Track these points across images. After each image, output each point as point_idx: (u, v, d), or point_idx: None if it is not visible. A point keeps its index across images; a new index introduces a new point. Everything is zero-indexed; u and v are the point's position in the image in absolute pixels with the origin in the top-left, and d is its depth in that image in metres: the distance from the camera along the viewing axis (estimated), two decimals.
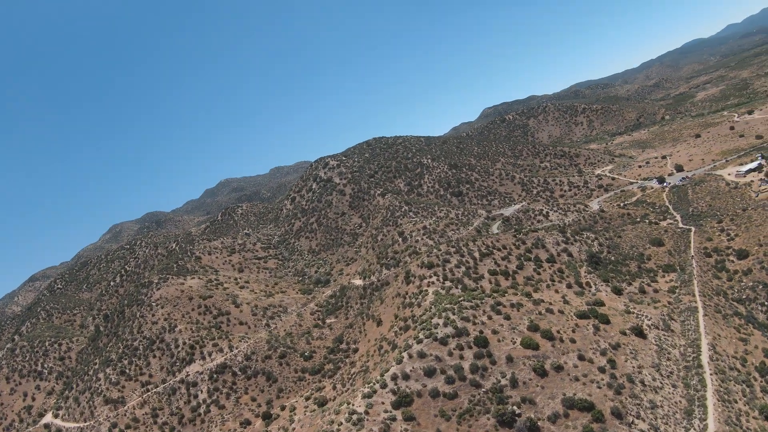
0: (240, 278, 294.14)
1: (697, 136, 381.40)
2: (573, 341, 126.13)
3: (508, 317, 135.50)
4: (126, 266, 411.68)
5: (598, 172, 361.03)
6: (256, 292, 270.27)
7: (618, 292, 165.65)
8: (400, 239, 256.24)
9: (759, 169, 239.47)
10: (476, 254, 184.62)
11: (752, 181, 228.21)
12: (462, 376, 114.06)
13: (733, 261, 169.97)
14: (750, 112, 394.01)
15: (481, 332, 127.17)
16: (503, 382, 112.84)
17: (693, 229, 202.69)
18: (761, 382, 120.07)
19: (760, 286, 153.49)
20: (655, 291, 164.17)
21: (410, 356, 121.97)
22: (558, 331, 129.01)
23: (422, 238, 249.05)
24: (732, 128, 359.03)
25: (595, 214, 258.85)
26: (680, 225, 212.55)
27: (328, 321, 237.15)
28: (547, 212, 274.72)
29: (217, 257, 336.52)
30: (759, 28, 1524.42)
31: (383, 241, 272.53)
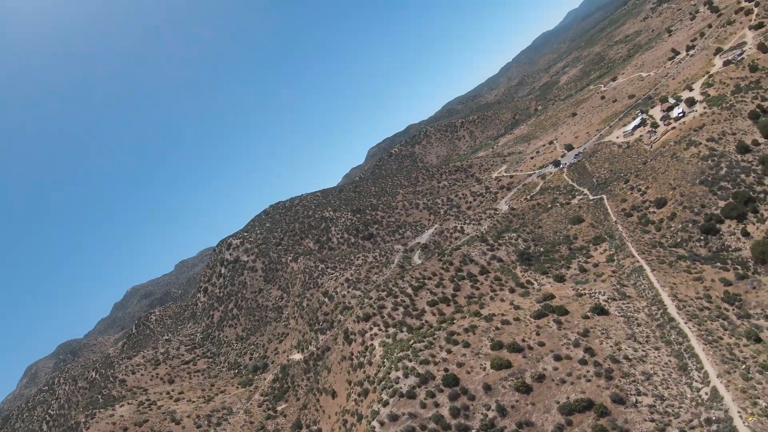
0: (173, 391, 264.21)
1: (574, 114, 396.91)
2: (542, 344, 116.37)
3: (467, 344, 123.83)
4: (49, 411, 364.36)
5: (494, 175, 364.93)
6: (194, 401, 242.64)
7: (561, 279, 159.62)
8: (326, 299, 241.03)
9: (643, 123, 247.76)
10: (409, 290, 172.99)
11: (641, 136, 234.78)
12: (445, 425, 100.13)
13: (654, 212, 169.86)
14: (614, 79, 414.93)
15: (446, 370, 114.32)
16: (491, 414, 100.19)
17: (604, 196, 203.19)
18: (734, 309, 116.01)
19: (690, 224, 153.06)
20: (595, 265, 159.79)
21: (382, 424, 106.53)
22: (523, 340, 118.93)
23: (348, 292, 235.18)
24: (603, 98, 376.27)
25: (507, 214, 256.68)
26: (590, 197, 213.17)
27: (279, 408, 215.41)
28: (462, 227, 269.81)
29: (142, 374, 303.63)
30: (596, 7, 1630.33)
31: (310, 307, 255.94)
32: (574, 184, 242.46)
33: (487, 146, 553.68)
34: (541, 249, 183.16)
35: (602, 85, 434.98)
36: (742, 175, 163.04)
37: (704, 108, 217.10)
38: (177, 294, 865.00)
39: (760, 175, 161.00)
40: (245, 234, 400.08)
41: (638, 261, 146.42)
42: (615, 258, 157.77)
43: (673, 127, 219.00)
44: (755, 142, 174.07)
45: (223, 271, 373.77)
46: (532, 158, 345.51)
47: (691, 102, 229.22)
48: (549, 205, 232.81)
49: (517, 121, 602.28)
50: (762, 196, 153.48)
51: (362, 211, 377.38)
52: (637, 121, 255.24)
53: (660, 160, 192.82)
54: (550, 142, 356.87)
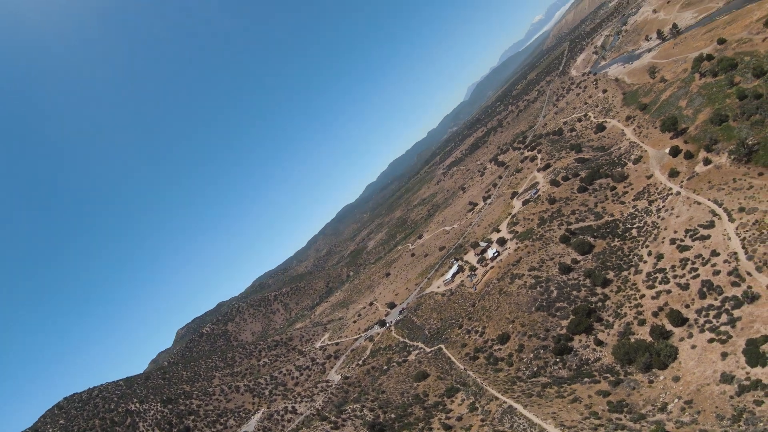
0: None
1: (388, 274, 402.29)
2: None
3: None
4: None
5: (318, 344, 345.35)
6: None
7: None
8: None
9: (461, 269, 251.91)
10: None
11: (462, 281, 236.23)
12: None
13: (500, 348, 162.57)
14: (420, 237, 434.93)
15: None
16: None
17: (442, 346, 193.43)
18: (626, 416, 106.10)
19: (541, 350, 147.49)
20: (459, 419, 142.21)
21: None
22: None
23: None
24: (413, 255, 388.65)
25: (341, 384, 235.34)
26: (427, 350, 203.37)
27: None
28: (293, 407, 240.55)
29: None
30: (392, 178, 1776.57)
31: None
32: (407, 340, 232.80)
33: (304, 317, 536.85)
34: (393, 415, 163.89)
35: (410, 244, 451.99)
36: (574, 292, 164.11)
37: (516, 244, 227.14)
38: None
39: (590, 287, 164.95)
40: None
41: (505, 401, 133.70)
42: (477, 405, 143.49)
43: (492, 267, 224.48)
44: (574, 261, 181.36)
45: None
46: (354, 322, 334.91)
47: (501, 241, 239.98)
48: (385, 367, 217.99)
49: (331, 289, 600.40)
50: (600, 304, 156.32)
51: (174, 401, 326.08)
52: (455, 268, 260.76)
53: (489, 299, 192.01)
54: (371, 304, 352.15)
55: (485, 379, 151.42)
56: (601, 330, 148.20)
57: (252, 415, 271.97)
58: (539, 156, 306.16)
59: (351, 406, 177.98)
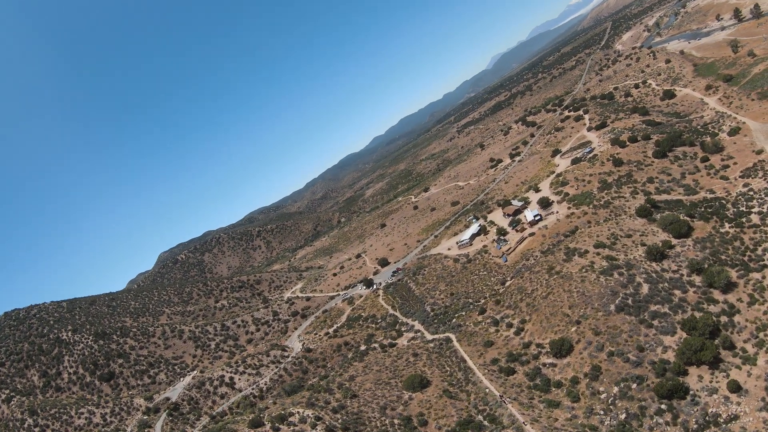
0: None
1: (383, 225, 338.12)
2: None
3: None
4: None
5: (287, 295, 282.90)
6: None
7: None
8: None
9: (483, 231, 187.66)
10: None
11: (485, 246, 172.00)
12: None
13: (554, 364, 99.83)
14: (426, 190, 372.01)
15: None
16: None
17: (453, 336, 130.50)
18: None
19: (634, 383, 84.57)
20: None
21: None
22: None
23: None
24: (416, 207, 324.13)
25: (300, 357, 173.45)
26: (428, 336, 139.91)
27: None
28: (231, 377, 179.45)
29: None
30: (400, 134, 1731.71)
31: None
32: (398, 314, 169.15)
33: (284, 258, 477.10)
34: None
35: (412, 197, 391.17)
36: (677, 292, 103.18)
37: (568, 208, 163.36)
38: None
39: (703, 289, 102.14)
40: None
41: None
42: None
43: (532, 234, 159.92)
44: (667, 244, 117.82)
45: None
46: (335, 275, 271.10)
47: (545, 203, 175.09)
48: (363, 347, 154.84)
49: (319, 233, 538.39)
50: (726, 319, 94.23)
51: (108, 337, 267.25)
52: (474, 227, 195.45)
53: (530, 279, 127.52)
54: (358, 256, 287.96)
55: (533, 420, 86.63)
56: (735, 365, 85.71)
57: (183, 376, 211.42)
58: (586, 116, 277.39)
59: (300, 412, 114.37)
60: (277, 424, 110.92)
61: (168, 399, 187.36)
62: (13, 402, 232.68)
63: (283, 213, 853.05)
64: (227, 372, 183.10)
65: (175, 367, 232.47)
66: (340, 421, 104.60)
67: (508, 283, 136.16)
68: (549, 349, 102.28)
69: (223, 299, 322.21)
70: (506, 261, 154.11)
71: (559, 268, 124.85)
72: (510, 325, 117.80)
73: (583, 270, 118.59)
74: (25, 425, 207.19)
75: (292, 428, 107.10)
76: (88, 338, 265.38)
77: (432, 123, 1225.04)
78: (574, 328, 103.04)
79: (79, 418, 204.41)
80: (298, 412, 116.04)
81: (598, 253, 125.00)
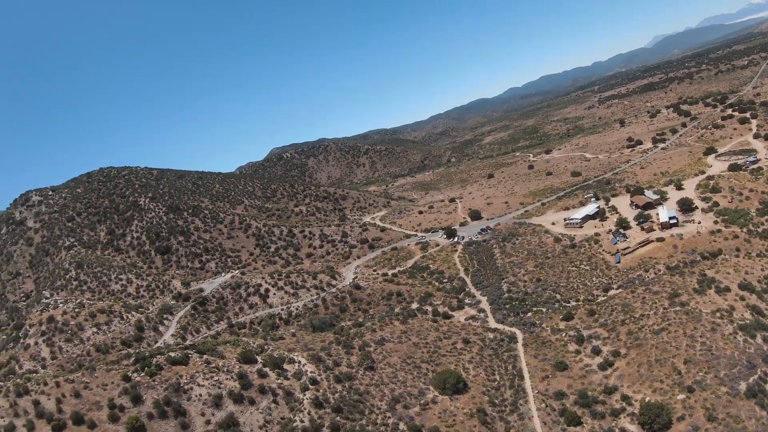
0: None
1: (490, 176, 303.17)
2: None
3: None
4: None
5: (366, 219, 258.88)
6: None
7: None
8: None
9: (600, 215, 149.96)
10: None
11: (597, 234, 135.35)
12: None
13: None
14: (548, 152, 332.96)
15: None
16: None
17: (518, 334, 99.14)
18: None
19: None
20: None
21: None
22: None
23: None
24: (531, 167, 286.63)
25: (345, 292, 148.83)
26: (491, 323, 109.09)
27: None
28: (268, 290, 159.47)
29: None
30: (537, 91, 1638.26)
31: None
32: (467, 280, 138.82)
33: (383, 182, 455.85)
34: None
35: (531, 155, 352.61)
36: None
37: (715, 222, 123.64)
38: None
39: None
40: (50, 192, 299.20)
41: None
42: None
43: (661, 239, 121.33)
44: None
45: (2, 231, 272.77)
46: (420, 212, 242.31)
47: (685, 205, 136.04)
48: (414, 306, 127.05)
49: (425, 167, 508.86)
50: None
51: (179, 212, 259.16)
52: (591, 207, 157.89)
53: (642, 297, 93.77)
54: (452, 200, 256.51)
55: None
56: None
57: (226, 272, 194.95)
58: (754, 121, 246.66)
59: (300, 362, 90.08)
60: (266, 368, 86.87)
61: (201, 291, 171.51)
62: (72, 251, 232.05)
63: (397, 138, 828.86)
64: (266, 283, 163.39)
65: (228, 260, 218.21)
66: (336, 395, 78.64)
67: (612, 293, 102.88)
68: (637, 412, 69.38)
69: (303, 205, 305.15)
70: (619, 262, 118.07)
71: (686, 298, 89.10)
72: (597, 351, 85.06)
73: (718, 314, 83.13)
74: (68, 276, 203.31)
75: (280, 379, 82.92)
76: (161, 209, 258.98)
77: (573, 88, 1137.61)
78: (681, 396, 69.66)
79: (116, 283, 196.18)
80: (299, 363, 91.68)
81: (742, 298, 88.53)
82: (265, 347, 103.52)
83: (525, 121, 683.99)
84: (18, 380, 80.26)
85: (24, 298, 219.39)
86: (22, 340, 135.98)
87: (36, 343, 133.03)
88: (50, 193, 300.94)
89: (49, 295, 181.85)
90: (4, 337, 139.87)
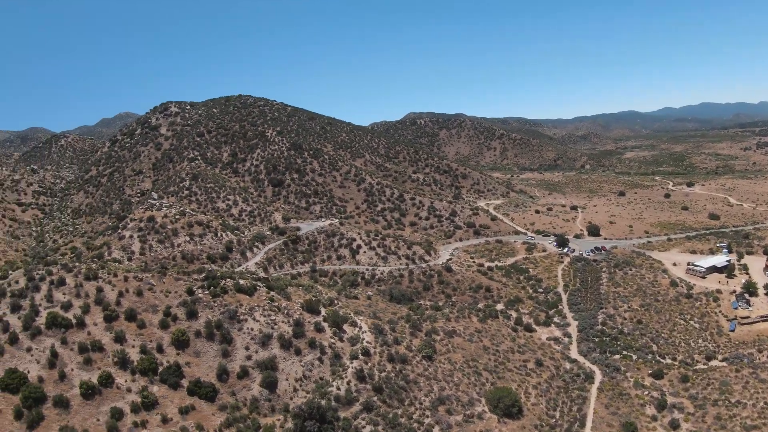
0: None
1: (621, 194, 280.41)
2: None
3: None
4: None
5: (480, 203, 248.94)
6: None
7: None
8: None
9: (728, 270, 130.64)
10: None
11: (719, 291, 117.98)
12: None
13: None
14: (690, 184, 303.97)
15: None
16: None
17: (597, 376, 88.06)
18: None
19: None
20: None
21: None
22: None
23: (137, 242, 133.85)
24: (667, 196, 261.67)
25: (434, 272, 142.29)
26: (573, 353, 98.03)
27: None
28: (359, 246, 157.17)
29: None
30: (694, 117, 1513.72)
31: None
32: (564, 297, 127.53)
33: (509, 171, 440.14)
34: None
35: (670, 183, 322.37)
36: None
37: None
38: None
39: None
40: (188, 107, 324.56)
41: None
42: None
43: None
44: None
45: (137, 132, 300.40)
46: (537, 212, 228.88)
47: None
48: (499, 307, 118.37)
49: (557, 166, 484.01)
50: None
51: (301, 150, 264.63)
52: (721, 260, 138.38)
53: (746, 380, 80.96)
54: (573, 207, 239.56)
55: None
56: None
57: (327, 218, 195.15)
58: None
59: (361, 327, 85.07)
60: (324, 323, 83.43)
61: (298, 229, 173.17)
62: (193, 164, 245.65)
63: (535, 130, 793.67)
64: (360, 239, 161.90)
65: (334, 208, 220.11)
66: (383, 374, 74.01)
67: (714, 363, 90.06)
68: None
69: (422, 173, 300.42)
70: (733, 330, 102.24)
71: None
72: (675, 426, 74.90)
73: None
74: (182, 185, 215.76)
75: (335, 339, 79.99)
76: (285, 144, 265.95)
77: (733, 123, 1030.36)
78: None
79: (223, 201, 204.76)
80: (359, 328, 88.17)
81: None
82: (335, 302, 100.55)
83: (673, 145, 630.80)
84: (92, 265, 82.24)
85: (139, 194, 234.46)
86: (119, 231, 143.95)
87: (131, 236, 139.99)
88: (188, 107, 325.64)
89: (156, 197, 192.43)
90: (109, 224, 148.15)
